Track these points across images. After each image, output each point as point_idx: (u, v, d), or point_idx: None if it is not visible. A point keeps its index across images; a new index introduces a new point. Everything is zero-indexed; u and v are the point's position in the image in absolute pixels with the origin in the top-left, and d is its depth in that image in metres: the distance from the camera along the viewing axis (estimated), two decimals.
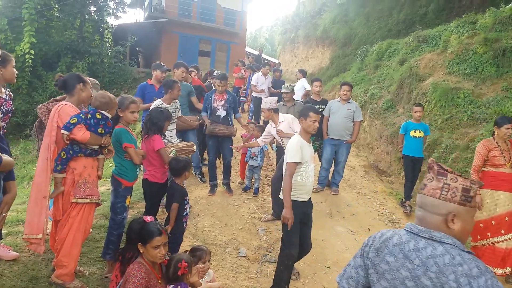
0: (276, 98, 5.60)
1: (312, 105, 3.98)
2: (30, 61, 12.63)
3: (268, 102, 5.34)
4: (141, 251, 2.51)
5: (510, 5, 8.56)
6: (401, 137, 6.40)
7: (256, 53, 20.88)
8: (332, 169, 6.65)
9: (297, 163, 3.50)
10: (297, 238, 3.58)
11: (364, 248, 1.62)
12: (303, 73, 9.61)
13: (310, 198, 3.74)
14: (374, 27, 15.27)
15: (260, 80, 10.02)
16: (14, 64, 3.23)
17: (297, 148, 3.51)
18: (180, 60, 6.28)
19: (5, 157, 2.06)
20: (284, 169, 3.61)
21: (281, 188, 3.55)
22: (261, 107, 5.54)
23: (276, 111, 5.35)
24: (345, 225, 5.50)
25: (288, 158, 3.53)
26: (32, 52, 12.58)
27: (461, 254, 1.35)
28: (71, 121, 3.01)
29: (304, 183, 3.60)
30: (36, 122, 3.95)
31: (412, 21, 13.29)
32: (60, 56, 14.24)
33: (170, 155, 4.00)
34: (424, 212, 1.49)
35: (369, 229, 5.51)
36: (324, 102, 6.69)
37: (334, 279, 4.11)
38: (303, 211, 3.64)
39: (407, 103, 8.89)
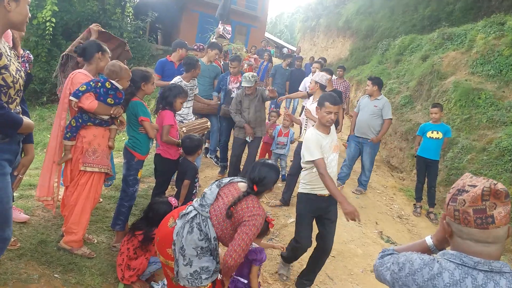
0: (328, 76, 5.37)
1: (331, 93, 3.60)
2: (51, 29, 12.67)
3: (319, 75, 5.20)
4: None
5: None
6: (418, 139, 6.09)
7: (277, 40, 20.58)
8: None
9: (322, 158, 3.20)
10: (307, 231, 3.44)
11: (398, 273, 1.35)
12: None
13: None
14: (398, 21, 14.93)
15: (308, 83, 7.42)
16: (29, 1, 2.04)
17: (314, 143, 3.23)
18: (214, 41, 6.24)
19: (26, 119, 2.07)
20: (312, 169, 3.32)
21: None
22: (311, 78, 5.29)
23: (322, 87, 5.19)
24: None
25: (309, 156, 3.25)
26: (54, 20, 12.61)
27: None
28: (80, 89, 3.00)
29: None
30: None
31: (438, 17, 12.96)
32: (80, 27, 14.24)
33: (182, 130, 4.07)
34: (488, 245, 1.22)
35: (376, 223, 5.48)
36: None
37: (338, 269, 4.13)
38: (320, 206, 3.42)
39: (426, 100, 8.74)
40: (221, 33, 12.16)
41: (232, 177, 2.61)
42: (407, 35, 12.30)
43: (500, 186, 1.20)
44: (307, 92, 5.84)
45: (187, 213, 2.36)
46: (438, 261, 1.27)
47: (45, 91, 13.13)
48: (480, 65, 8.08)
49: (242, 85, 5.33)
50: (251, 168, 2.56)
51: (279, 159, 6.27)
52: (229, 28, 12.33)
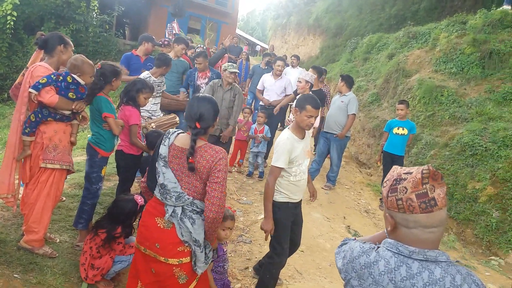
0: (312, 75, 5.27)
1: (313, 95, 3.32)
2: (12, 23, 12.11)
3: (309, 75, 5.14)
4: None
5: (501, 8, 8.62)
6: (386, 135, 6.21)
7: (249, 37, 20.56)
8: None
9: (282, 168, 2.99)
10: (288, 244, 3.20)
11: (343, 260, 1.39)
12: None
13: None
14: (366, 19, 15.24)
15: (266, 82, 6.60)
16: None
17: (284, 150, 2.96)
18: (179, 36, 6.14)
19: None
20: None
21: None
22: (299, 77, 5.19)
23: (311, 87, 5.11)
24: (322, 212, 5.55)
25: (273, 160, 3.01)
26: (15, 14, 12.06)
27: (459, 271, 1.18)
28: (40, 81, 2.89)
29: (297, 182, 3.12)
30: None
31: (403, 16, 13.31)
32: (43, 21, 13.73)
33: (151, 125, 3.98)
34: (434, 230, 1.22)
35: (344, 217, 5.58)
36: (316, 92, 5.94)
37: (306, 263, 4.17)
38: (295, 212, 3.26)
39: (392, 97, 8.96)
40: (175, 32, 11.92)
41: (164, 138, 2.37)
42: (375, 34, 12.57)
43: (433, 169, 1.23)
44: (295, 91, 5.79)
45: (173, 212, 2.24)
46: (376, 250, 1.29)
47: (6, 87, 12.52)
48: (443, 63, 8.36)
49: (229, 70, 5.18)
50: (188, 107, 2.37)
51: (257, 156, 6.33)
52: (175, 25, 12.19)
